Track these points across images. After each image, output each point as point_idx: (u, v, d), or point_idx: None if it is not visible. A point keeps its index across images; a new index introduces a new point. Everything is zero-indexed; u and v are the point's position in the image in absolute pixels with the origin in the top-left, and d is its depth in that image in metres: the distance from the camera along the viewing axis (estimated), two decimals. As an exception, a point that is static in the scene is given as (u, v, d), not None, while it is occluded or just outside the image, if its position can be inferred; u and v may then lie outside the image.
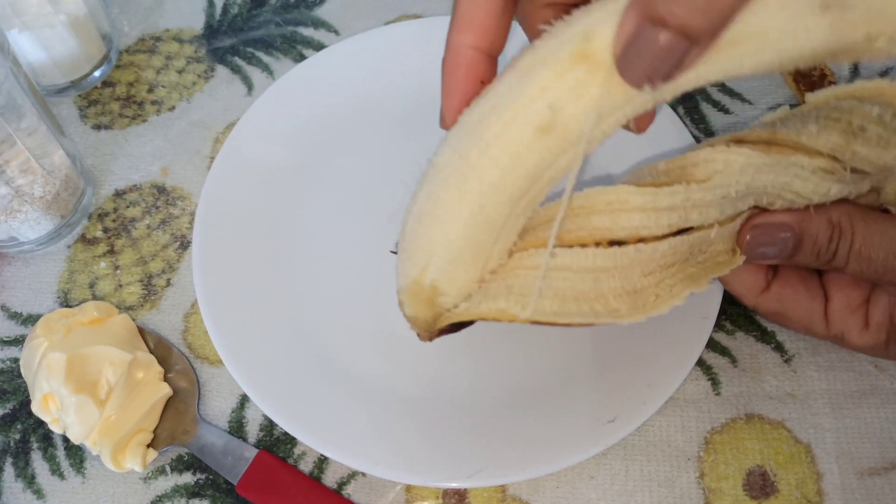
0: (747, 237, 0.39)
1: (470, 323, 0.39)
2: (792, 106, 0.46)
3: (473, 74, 0.34)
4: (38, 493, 0.47)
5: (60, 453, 0.48)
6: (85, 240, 0.55)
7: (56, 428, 0.47)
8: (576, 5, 0.32)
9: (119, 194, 0.57)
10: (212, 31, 0.64)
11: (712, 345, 0.49)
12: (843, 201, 0.40)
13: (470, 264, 0.36)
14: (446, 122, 0.36)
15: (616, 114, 0.32)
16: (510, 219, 0.35)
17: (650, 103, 0.31)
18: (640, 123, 0.37)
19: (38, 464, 0.48)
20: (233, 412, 0.49)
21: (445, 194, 0.34)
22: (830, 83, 0.55)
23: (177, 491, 0.47)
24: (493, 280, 0.37)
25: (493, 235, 0.35)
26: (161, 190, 0.57)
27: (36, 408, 0.47)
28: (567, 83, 0.31)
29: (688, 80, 0.30)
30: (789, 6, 0.29)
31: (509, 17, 0.35)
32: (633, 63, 0.28)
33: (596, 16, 0.30)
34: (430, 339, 0.40)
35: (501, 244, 0.36)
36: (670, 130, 0.53)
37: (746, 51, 0.29)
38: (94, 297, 0.53)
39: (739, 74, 0.30)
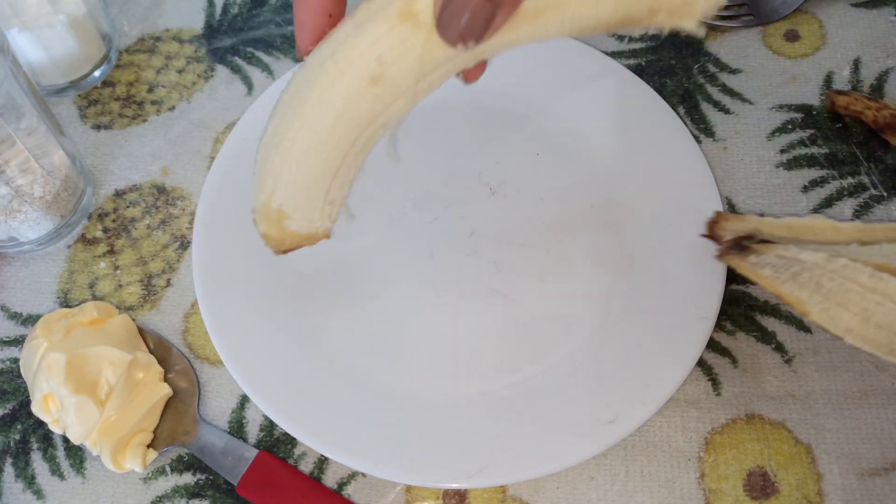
0: None
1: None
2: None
3: (321, 9, 0.37)
4: (38, 493, 0.47)
5: (60, 454, 0.48)
6: (85, 240, 0.55)
7: (56, 428, 0.47)
8: None
9: (119, 194, 0.57)
10: (212, 30, 0.64)
11: (712, 345, 0.49)
12: None
13: (311, 194, 0.40)
14: (300, 53, 0.38)
15: (440, 69, 0.35)
16: (348, 156, 0.39)
17: (471, 61, 0.35)
18: (468, 76, 0.39)
19: (38, 464, 0.48)
20: (233, 412, 0.49)
21: (289, 131, 0.38)
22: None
23: (177, 491, 0.46)
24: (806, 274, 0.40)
25: (332, 170, 0.39)
26: (161, 190, 0.57)
27: (36, 408, 0.47)
28: (394, 39, 0.34)
29: (501, 42, 0.34)
30: None
31: None
32: (449, 24, 0.31)
33: None
34: (284, 253, 0.43)
35: (341, 178, 0.40)
36: (671, 131, 0.53)
37: (549, 19, 0.33)
38: (94, 298, 0.52)
39: (545, 39, 0.34)
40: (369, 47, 0.34)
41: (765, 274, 0.42)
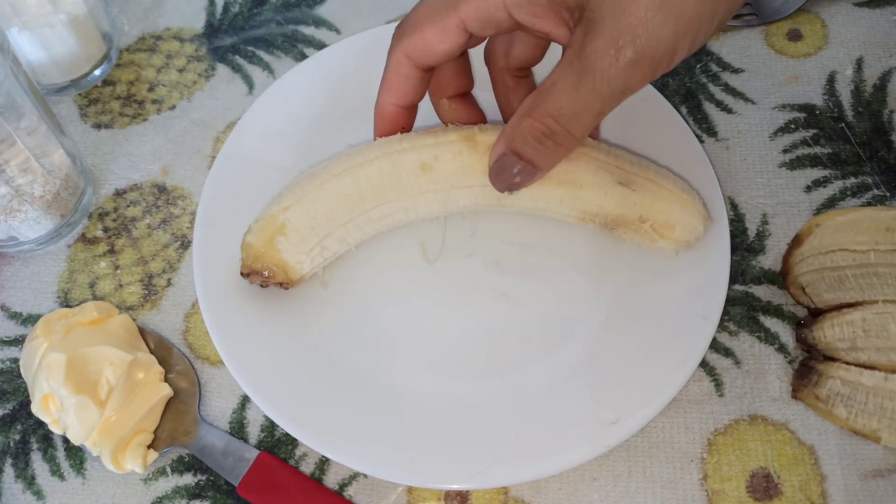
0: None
1: (282, 286, 0.48)
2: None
3: (395, 124, 0.47)
4: (38, 494, 0.47)
5: (60, 454, 0.48)
6: (85, 239, 0.55)
7: (56, 428, 0.47)
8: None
9: (119, 194, 0.56)
10: (212, 29, 0.63)
11: (715, 346, 0.49)
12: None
13: (316, 227, 0.47)
14: (375, 135, 0.48)
15: (473, 187, 0.46)
16: (362, 217, 0.47)
17: (495, 197, 0.47)
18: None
19: (38, 465, 0.48)
20: (234, 413, 0.48)
21: (336, 168, 0.47)
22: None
23: (177, 492, 0.46)
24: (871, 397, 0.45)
25: (344, 219, 0.47)
26: (161, 189, 0.56)
27: (36, 408, 0.46)
28: (454, 149, 0.46)
29: (529, 196, 0.46)
30: (601, 173, 0.45)
31: (424, 85, 0.46)
32: (498, 177, 0.44)
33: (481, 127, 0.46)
34: (244, 274, 0.48)
35: (346, 231, 0.47)
36: (673, 130, 0.53)
37: (566, 191, 0.46)
38: (95, 297, 0.52)
39: (555, 208, 0.47)
40: (433, 145, 0.46)
41: (841, 415, 0.45)
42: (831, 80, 0.57)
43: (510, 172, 0.42)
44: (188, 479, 0.47)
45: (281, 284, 0.48)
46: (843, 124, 0.55)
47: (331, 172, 0.47)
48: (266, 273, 0.47)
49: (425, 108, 0.48)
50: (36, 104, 0.49)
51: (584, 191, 0.46)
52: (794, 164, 0.54)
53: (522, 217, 0.52)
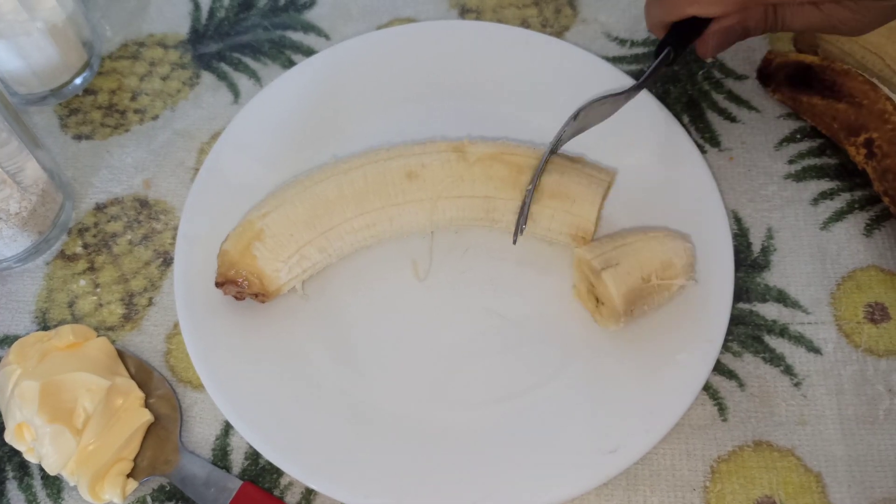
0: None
1: (258, 298, 0.46)
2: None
3: None
4: (14, 524, 0.45)
5: (37, 483, 0.46)
6: (64, 256, 0.53)
7: (31, 457, 0.45)
8: None
9: (100, 208, 0.54)
10: (197, 35, 0.61)
11: (719, 367, 0.47)
12: None
13: (294, 233, 0.45)
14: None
15: (461, 198, 0.47)
16: (343, 226, 0.46)
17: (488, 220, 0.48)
18: None
19: (14, 494, 0.46)
20: (217, 439, 0.46)
21: (320, 175, 0.47)
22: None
23: (158, 523, 0.45)
24: None
25: (324, 227, 0.46)
26: (143, 203, 0.54)
27: (9, 437, 0.44)
28: (441, 158, 0.46)
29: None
30: (593, 188, 0.47)
31: None
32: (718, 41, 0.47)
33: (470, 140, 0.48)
34: (218, 284, 0.46)
35: (327, 240, 0.46)
36: (673, 140, 0.51)
37: (558, 204, 0.47)
38: (73, 317, 0.50)
39: (546, 223, 0.48)
40: (420, 154, 0.46)
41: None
42: (838, 86, 0.55)
43: (733, 35, 0.47)
44: (169, 509, 0.45)
45: (257, 296, 0.46)
46: (851, 133, 0.53)
47: (314, 179, 0.47)
48: (241, 282, 0.45)
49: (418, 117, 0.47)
50: (7, 117, 0.47)
51: (576, 204, 0.46)
52: (800, 176, 0.52)
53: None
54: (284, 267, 0.46)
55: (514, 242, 0.47)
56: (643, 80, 0.47)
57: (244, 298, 0.46)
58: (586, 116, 0.47)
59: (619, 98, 0.47)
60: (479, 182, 0.47)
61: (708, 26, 0.47)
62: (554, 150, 0.47)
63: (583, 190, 0.46)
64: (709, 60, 0.49)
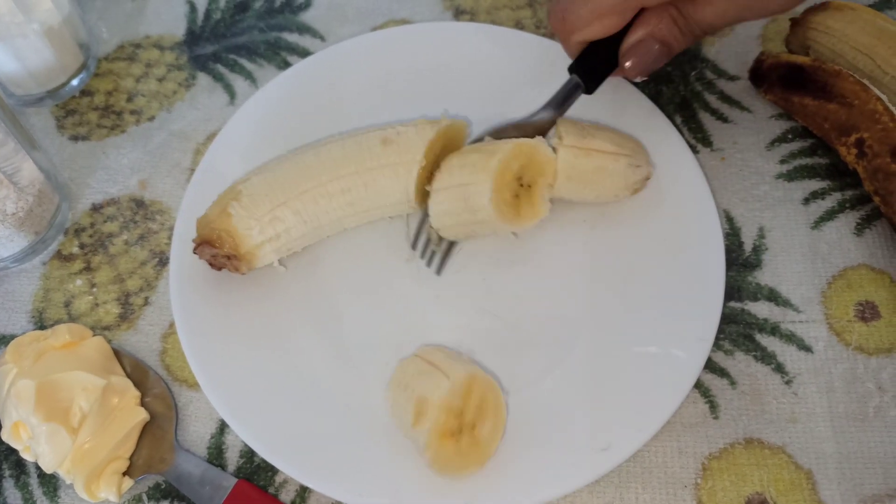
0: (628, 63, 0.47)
1: (231, 262, 0.46)
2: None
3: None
4: (10, 523, 0.45)
5: (34, 481, 0.46)
6: (60, 256, 0.53)
7: (28, 456, 0.45)
8: None
9: (96, 208, 0.55)
10: (193, 37, 0.62)
11: (710, 365, 0.47)
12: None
13: (269, 193, 0.46)
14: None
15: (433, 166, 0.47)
16: (320, 187, 0.46)
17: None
18: None
19: (11, 492, 0.46)
20: (212, 438, 0.47)
21: (303, 148, 0.49)
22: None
23: (153, 521, 0.45)
24: None
25: (299, 189, 0.46)
26: (139, 204, 0.55)
27: (6, 436, 0.45)
28: (416, 126, 0.47)
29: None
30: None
31: None
32: (637, 56, 0.46)
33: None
34: (195, 248, 0.46)
35: (302, 203, 0.46)
36: (665, 140, 0.51)
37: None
38: (70, 317, 0.51)
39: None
40: (397, 125, 0.47)
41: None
42: (830, 87, 0.55)
43: (651, 54, 0.45)
44: (165, 507, 0.45)
45: (230, 259, 0.46)
46: (842, 134, 0.54)
47: (296, 152, 0.49)
48: (214, 240, 0.45)
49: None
50: (3, 118, 0.47)
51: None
52: (791, 176, 0.53)
53: (510, 234, 0.50)
54: (257, 225, 0.46)
55: (414, 247, 0.50)
56: (557, 111, 0.49)
57: (220, 266, 0.47)
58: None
59: (526, 125, 0.49)
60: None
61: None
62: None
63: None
64: (638, 80, 0.48)
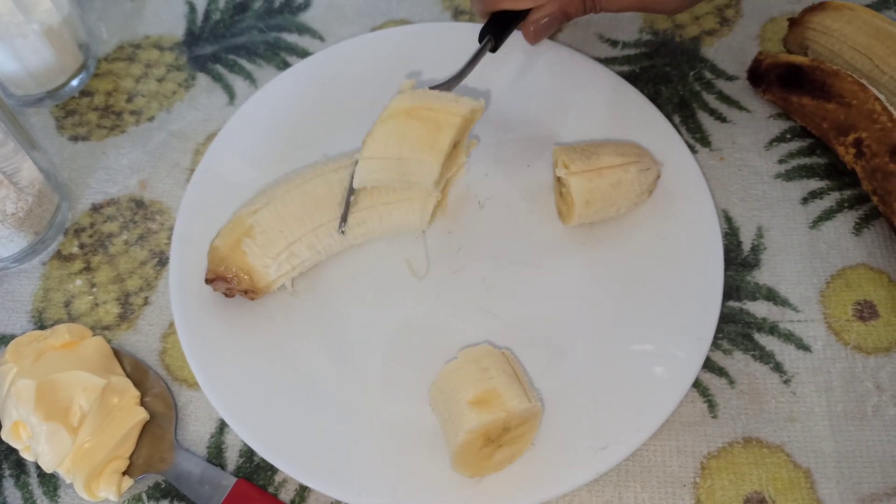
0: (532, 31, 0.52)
1: (247, 294, 0.47)
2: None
3: None
4: (10, 522, 0.45)
5: (34, 480, 0.46)
6: (60, 256, 0.53)
7: (28, 455, 0.45)
8: None
9: (96, 209, 0.55)
10: (193, 37, 0.62)
11: (709, 365, 0.47)
12: None
13: (284, 230, 0.46)
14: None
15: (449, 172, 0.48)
16: (332, 221, 0.47)
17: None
18: None
19: (11, 492, 0.46)
20: (212, 437, 0.47)
21: (312, 173, 0.48)
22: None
23: (153, 520, 0.45)
24: None
25: (316, 222, 0.46)
26: (139, 204, 0.55)
27: (6, 435, 0.45)
28: (427, 154, 0.44)
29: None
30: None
31: None
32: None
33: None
34: (208, 280, 0.46)
35: (316, 236, 0.47)
36: (664, 140, 0.52)
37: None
38: (70, 316, 0.51)
39: None
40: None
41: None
42: (828, 87, 0.56)
43: (552, 23, 0.52)
44: (164, 506, 0.45)
45: (246, 293, 0.46)
46: (841, 133, 0.54)
47: (304, 177, 0.47)
48: (231, 278, 0.46)
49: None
50: (3, 119, 0.47)
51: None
52: (790, 175, 0.53)
53: (511, 232, 0.51)
54: (274, 263, 0.46)
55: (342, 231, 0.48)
56: (464, 68, 0.50)
57: (234, 295, 0.47)
58: None
59: (441, 88, 0.49)
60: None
61: (528, 15, 0.51)
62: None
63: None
64: (533, 41, 0.53)
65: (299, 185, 0.47)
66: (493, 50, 0.51)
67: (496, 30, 0.51)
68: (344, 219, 0.47)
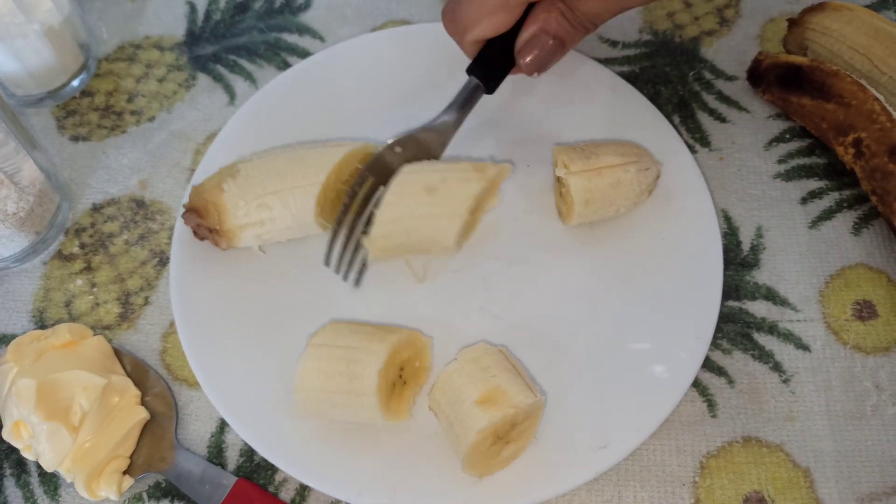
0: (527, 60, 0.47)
1: (213, 236, 0.47)
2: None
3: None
4: (11, 521, 0.46)
5: (34, 480, 0.47)
6: (61, 256, 0.53)
7: (28, 455, 0.45)
8: None
9: (96, 208, 0.55)
10: (193, 37, 0.62)
11: (708, 364, 0.47)
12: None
13: (266, 180, 0.46)
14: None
15: (476, 218, 0.48)
16: (312, 186, 0.46)
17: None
18: None
19: (11, 491, 0.46)
20: (212, 436, 0.47)
21: (320, 145, 0.49)
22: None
23: (154, 519, 0.45)
24: None
25: (295, 182, 0.46)
26: (140, 204, 0.55)
27: (7, 434, 0.45)
28: (460, 175, 0.45)
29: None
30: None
31: None
32: (530, 51, 0.46)
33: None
34: (184, 213, 0.47)
35: (290, 195, 0.47)
36: (664, 140, 0.52)
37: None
38: (70, 316, 0.51)
39: None
40: (441, 171, 0.45)
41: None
42: (827, 87, 0.56)
43: (544, 49, 0.46)
44: (165, 505, 0.45)
45: (212, 233, 0.47)
46: (840, 133, 0.54)
47: (305, 145, 0.49)
48: (201, 210, 0.46)
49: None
50: (4, 119, 0.47)
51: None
52: (789, 175, 0.53)
53: (510, 232, 0.51)
54: (245, 207, 0.46)
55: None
56: (460, 113, 0.48)
57: (202, 237, 0.48)
58: (415, 146, 0.47)
59: (430, 129, 0.48)
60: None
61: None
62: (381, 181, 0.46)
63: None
64: (535, 76, 0.47)
65: (297, 149, 0.49)
66: (489, 91, 0.48)
67: (483, 68, 0.47)
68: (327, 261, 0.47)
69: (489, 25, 0.46)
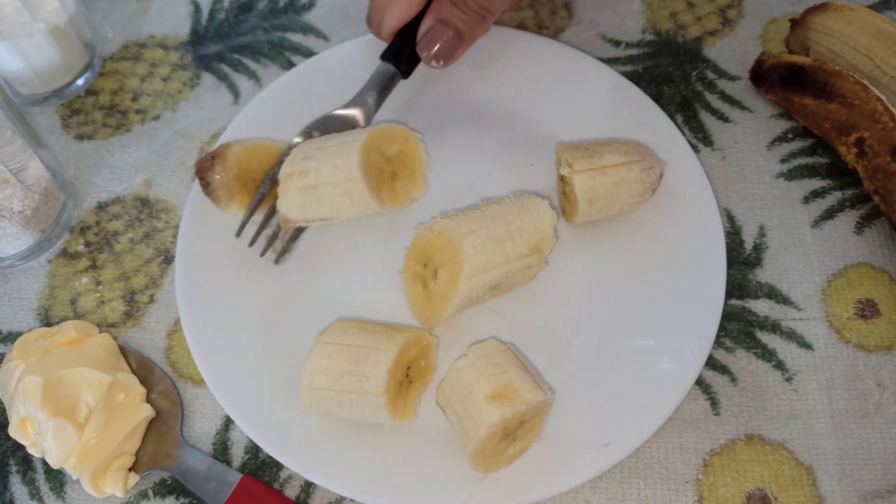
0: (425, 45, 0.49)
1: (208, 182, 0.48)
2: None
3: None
4: (17, 518, 0.46)
5: (40, 476, 0.47)
6: (66, 254, 0.53)
7: (34, 451, 0.45)
8: None
9: (101, 207, 0.55)
10: (198, 37, 0.62)
11: (711, 362, 0.47)
12: None
13: (321, 191, 0.46)
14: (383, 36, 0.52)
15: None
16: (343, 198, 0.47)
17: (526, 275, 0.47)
18: None
19: (17, 487, 0.46)
20: (217, 434, 0.47)
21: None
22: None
23: (159, 516, 0.45)
24: None
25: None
26: (144, 202, 0.55)
27: (13, 431, 0.45)
28: (520, 264, 0.45)
29: None
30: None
31: None
32: (429, 44, 0.49)
33: None
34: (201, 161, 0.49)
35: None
36: (667, 140, 0.52)
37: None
38: (76, 314, 0.51)
39: None
40: (503, 264, 0.44)
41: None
42: (830, 87, 0.56)
43: (441, 39, 0.48)
44: (170, 502, 0.45)
45: (210, 189, 0.48)
46: (842, 133, 0.54)
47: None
48: (219, 175, 0.48)
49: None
50: (11, 117, 0.47)
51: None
52: (791, 175, 0.53)
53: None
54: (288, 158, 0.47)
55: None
56: (379, 98, 0.51)
57: (207, 184, 0.49)
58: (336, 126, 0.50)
59: (347, 116, 0.50)
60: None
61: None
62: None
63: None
64: (433, 65, 0.50)
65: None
66: (405, 76, 0.51)
67: (396, 54, 0.51)
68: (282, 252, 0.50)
69: (395, 15, 0.50)
